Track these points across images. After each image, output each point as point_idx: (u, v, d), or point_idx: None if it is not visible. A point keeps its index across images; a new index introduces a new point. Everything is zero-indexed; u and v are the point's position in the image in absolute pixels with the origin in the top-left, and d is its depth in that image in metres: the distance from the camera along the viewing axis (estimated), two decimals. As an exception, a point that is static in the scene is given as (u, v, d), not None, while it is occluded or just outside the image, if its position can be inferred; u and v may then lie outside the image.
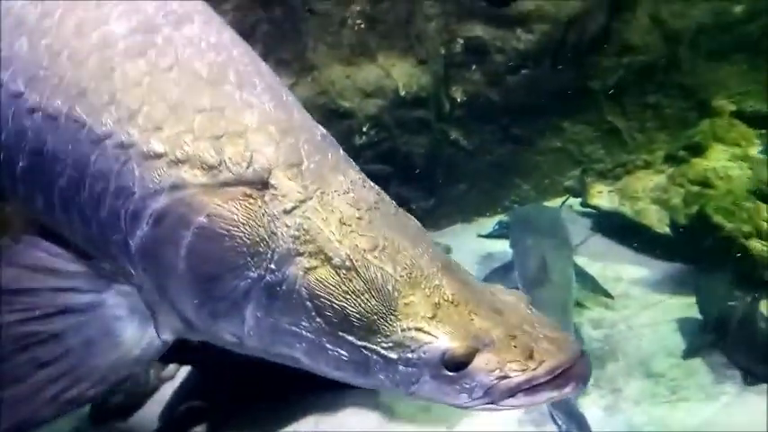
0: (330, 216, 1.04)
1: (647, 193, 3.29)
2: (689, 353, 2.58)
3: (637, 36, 3.67)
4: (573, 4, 3.65)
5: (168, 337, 1.11)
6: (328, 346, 1.01)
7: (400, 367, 1.00)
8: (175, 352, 1.20)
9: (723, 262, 2.83)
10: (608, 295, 3.04)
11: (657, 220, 3.15)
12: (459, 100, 3.76)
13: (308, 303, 1.01)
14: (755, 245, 2.83)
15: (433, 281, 1.02)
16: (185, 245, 1.01)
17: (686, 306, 2.83)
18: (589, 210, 3.59)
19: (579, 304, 3.08)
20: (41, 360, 1.05)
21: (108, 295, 1.08)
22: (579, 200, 3.68)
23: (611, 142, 3.82)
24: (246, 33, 3.36)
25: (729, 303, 2.49)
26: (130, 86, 1.07)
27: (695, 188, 3.11)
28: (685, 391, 2.45)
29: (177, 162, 1.02)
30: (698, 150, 3.29)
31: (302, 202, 1.03)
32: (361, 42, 3.58)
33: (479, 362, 0.97)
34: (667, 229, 3.10)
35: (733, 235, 2.83)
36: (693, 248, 2.95)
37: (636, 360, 2.67)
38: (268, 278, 1.01)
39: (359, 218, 1.05)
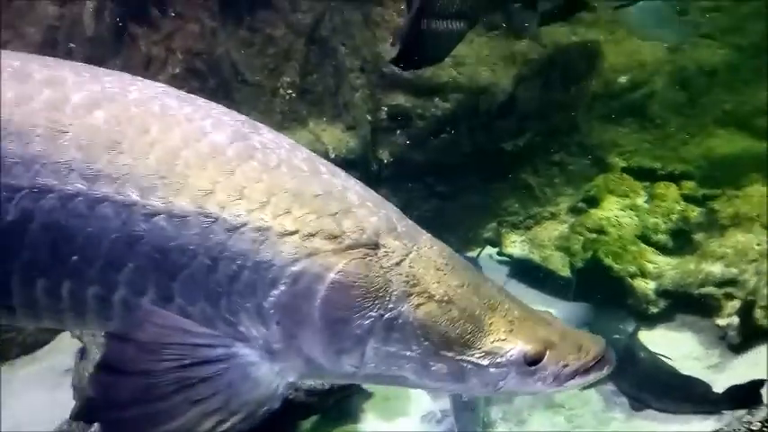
0: (427, 264, 1.36)
1: (552, 241, 3.61)
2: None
3: (539, 102, 4.09)
4: (484, 75, 4.07)
5: (292, 379, 1.35)
6: (432, 363, 1.32)
7: (491, 370, 1.33)
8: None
9: (614, 299, 3.13)
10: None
11: (561, 265, 3.46)
12: (385, 161, 4.07)
13: (417, 332, 1.31)
14: (640, 283, 3.15)
15: (504, 305, 1.39)
16: (320, 297, 1.27)
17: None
18: (505, 258, 3.88)
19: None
20: (194, 399, 1.25)
21: (237, 348, 1.30)
22: (497, 249, 3.98)
23: (524, 196, 4.18)
24: (183, 103, 3.64)
25: (614, 336, 2.76)
26: (253, 183, 1.30)
27: (592, 235, 3.46)
28: (580, 419, 2.69)
29: (309, 236, 1.29)
30: (594, 202, 3.67)
31: (406, 255, 1.35)
32: (293, 110, 3.89)
33: (548, 357, 1.34)
34: (570, 273, 3.40)
35: (621, 275, 3.15)
36: (590, 289, 3.25)
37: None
38: (387, 316, 1.30)
39: (446, 264, 1.38)
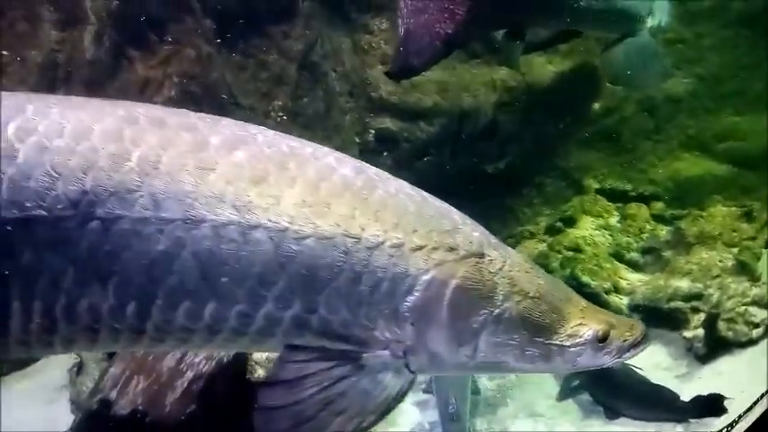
0: (520, 268, 1.64)
1: (532, 258, 3.80)
2: (562, 395, 3.01)
3: (519, 127, 4.31)
4: (466, 100, 4.28)
5: (416, 371, 1.58)
6: (528, 349, 1.60)
7: (572, 349, 1.62)
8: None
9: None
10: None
11: (541, 282, 3.63)
12: (372, 181, 4.22)
13: (518, 324, 1.57)
14: (614, 298, 3.36)
15: (573, 297, 1.70)
16: (446, 299, 1.52)
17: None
18: (487, 275, 4.04)
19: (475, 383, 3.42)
20: (337, 411, 1.47)
21: (367, 355, 1.52)
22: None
23: (505, 216, 4.38)
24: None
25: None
26: (384, 208, 1.54)
27: (569, 253, 3.66)
28: (560, 428, 2.86)
29: (434, 249, 1.53)
30: (571, 222, 3.88)
31: (504, 262, 1.61)
32: (284, 132, 4.03)
33: (612, 336, 1.64)
34: (549, 290, 3.58)
35: (596, 291, 3.35)
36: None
37: (522, 404, 3.06)
38: (496, 312, 1.56)
39: (531, 267, 1.67)
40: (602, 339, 1.63)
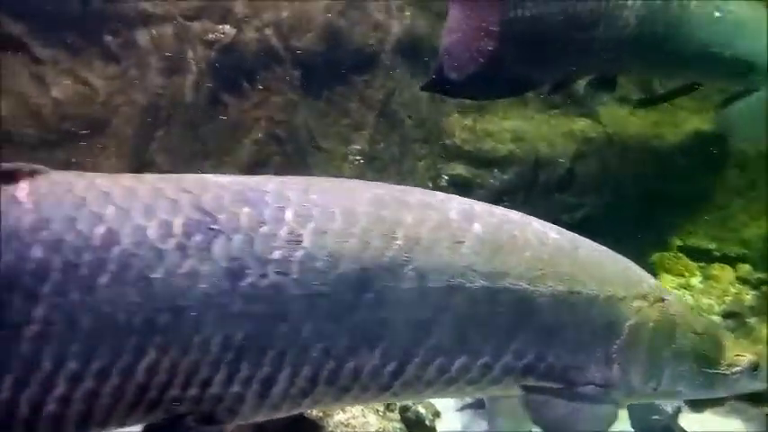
0: (683, 307, 1.93)
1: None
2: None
3: (598, 179, 4.21)
4: (542, 150, 4.27)
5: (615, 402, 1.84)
6: (696, 378, 1.84)
7: (732, 377, 1.86)
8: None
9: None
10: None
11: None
12: (444, 227, 4.27)
13: (691, 357, 1.83)
14: (688, 363, 3.13)
15: (724, 332, 1.99)
16: (645, 341, 1.78)
17: (623, 420, 3.10)
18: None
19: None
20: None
21: (582, 392, 1.76)
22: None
23: (580, 270, 4.23)
24: (262, 163, 4.04)
25: (653, 417, 2.77)
26: (592, 266, 1.79)
27: (644, 312, 3.47)
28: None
29: (633, 298, 1.78)
30: (649, 279, 3.69)
31: (673, 303, 1.87)
32: (360, 175, 4.22)
33: (762, 364, 1.89)
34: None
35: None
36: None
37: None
38: (675, 347, 1.81)
39: (686, 306, 2.02)
40: (755, 367, 1.87)
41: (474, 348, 1.60)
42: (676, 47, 3.23)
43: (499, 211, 1.78)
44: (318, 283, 1.43)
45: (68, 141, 3.81)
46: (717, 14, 3.23)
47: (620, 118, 4.26)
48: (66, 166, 3.99)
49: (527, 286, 1.63)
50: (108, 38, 3.85)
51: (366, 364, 1.51)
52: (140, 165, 3.86)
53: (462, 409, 3.19)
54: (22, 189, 1.33)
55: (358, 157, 4.23)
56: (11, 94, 3.74)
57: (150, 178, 1.49)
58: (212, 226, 1.37)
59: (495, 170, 4.26)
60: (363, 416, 2.46)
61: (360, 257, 1.47)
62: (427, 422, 2.76)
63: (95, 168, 3.87)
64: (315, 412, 2.45)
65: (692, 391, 1.87)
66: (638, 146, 4.19)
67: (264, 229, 1.41)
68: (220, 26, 3.95)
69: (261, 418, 1.51)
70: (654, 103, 4.00)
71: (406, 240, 1.53)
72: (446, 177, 4.30)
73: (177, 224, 1.36)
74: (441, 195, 1.76)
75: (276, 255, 1.40)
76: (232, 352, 1.37)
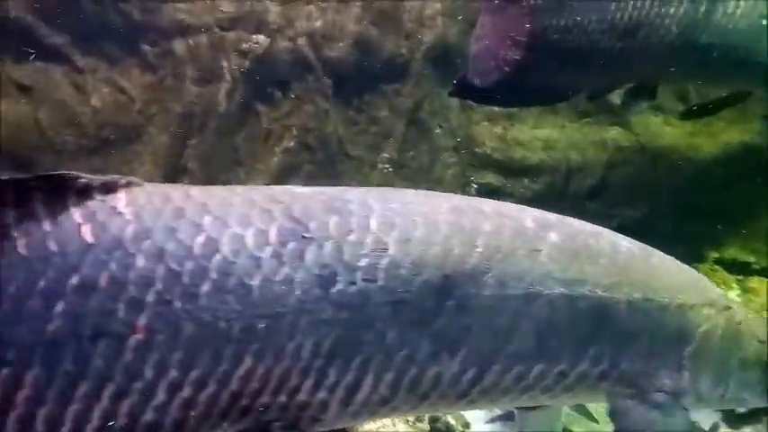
0: (746, 314, 1.91)
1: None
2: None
3: (630, 189, 4.15)
4: (574, 159, 4.22)
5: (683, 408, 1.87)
6: (759, 385, 1.85)
7: None
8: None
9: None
10: (593, 419, 3.26)
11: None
12: (473, 235, 4.25)
13: (755, 364, 1.85)
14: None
15: None
16: (714, 348, 1.80)
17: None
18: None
19: (566, 429, 3.30)
20: None
21: (651, 398, 1.78)
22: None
23: (611, 281, 4.17)
24: (293, 172, 4.09)
25: None
26: (663, 273, 1.81)
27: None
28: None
29: (702, 305, 1.80)
30: (683, 292, 3.61)
31: (737, 313, 1.87)
32: (389, 183, 4.23)
33: None
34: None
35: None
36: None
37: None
38: (741, 355, 1.83)
39: (747, 314, 1.94)
40: None
41: (552, 355, 1.61)
42: (720, 55, 3.15)
43: (570, 220, 1.79)
44: (403, 290, 1.45)
45: (106, 148, 3.92)
46: (764, 22, 3.15)
47: (653, 127, 4.20)
48: (103, 172, 4.10)
49: (603, 293, 1.64)
50: (146, 47, 3.96)
51: (446, 371, 1.52)
52: (174, 172, 3.95)
53: (492, 420, 3.16)
54: (120, 200, 1.36)
55: (387, 166, 4.25)
56: (52, 102, 3.87)
57: (240, 189, 1.52)
58: (305, 234, 1.40)
59: (526, 179, 4.24)
60: (393, 425, 2.46)
61: (442, 265, 1.49)
62: (457, 432, 2.75)
63: (130, 175, 3.96)
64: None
65: (757, 399, 1.86)
66: (672, 156, 4.12)
67: (352, 237, 1.43)
68: (254, 36, 4.03)
69: (340, 425, 1.52)
70: (702, 113, 3.76)
71: (486, 248, 1.54)
72: (476, 186, 4.29)
73: (272, 233, 1.38)
74: (512, 205, 1.79)
75: (363, 262, 1.42)
76: (321, 359, 1.39)
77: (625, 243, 1.80)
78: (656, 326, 1.71)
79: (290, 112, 4.23)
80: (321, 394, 1.41)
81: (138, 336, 1.26)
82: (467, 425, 2.98)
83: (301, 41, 4.10)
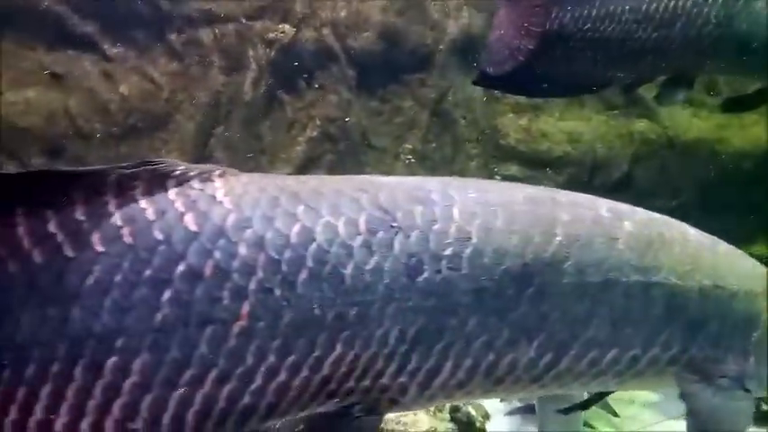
0: None
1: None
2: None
3: (656, 182, 4.10)
4: (599, 151, 4.19)
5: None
6: None
7: None
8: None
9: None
10: (614, 414, 3.25)
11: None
12: (495, 227, 4.25)
13: None
14: None
15: None
16: None
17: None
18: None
19: (586, 423, 3.29)
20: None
21: (717, 383, 1.80)
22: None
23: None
24: (315, 161, 4.12)
25: None
26: (730, 261, 1.82)
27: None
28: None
29: (761, 293, 1.79)
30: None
31: None
32: (411, 174, 4.24)
33: None
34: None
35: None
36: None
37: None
38: None
39: None
40: None
41: (626, 341, 1.63)
42: (760, 45, 3.06)
43: (639, 209, 1.81)
44: (485, 278, 1.48)
45: (133, 136, 3.99)
46: None
47: (682, 119, 4.14)
48: (130, 159, 4.17)
49: (677, 281, 1.66)
50: (173, 36, 4.02)
51: (523, 356, 1.55)
52: (200, 159, 4.01)
53: (511, 413, 3.17)
54: (218, 189, 1.39)
55: (410, 156, 4.26)
56: (82, 90, 3.96)
57: (328, 178, 1.56)
58: (393, 224, 1.43)
59: (550, 171, 4.21)
60: (415, 414, 2.48)
61: (523, 253, 1.52)
62: (477, 423, 2.76)
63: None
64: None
65: None
66: (701, 149, 4.06)
67: (437, 226, 1.47)
68: (280, 26, 4.07)
69: (416, 408, 1.57)
70: (743, 106, 3.57)
71: (565, 237, 1.57)
72: (499, 178, 4.27)
73: (362, 222, 1.42)
74: (583, 195, 1.79)
75: (448, 251, 1.45)
76: (406, 344, 1.42)
77: (692, 232, 1.82)
78: (726, 312, 1.73)
79: (314, 102, 4.27)
80: (402, 378, 1.45)
81: (242, 323, 1.29)
82: (487, 416, 2.99)
83: (326, 31, 4.12)
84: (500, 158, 4.27)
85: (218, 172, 1.42)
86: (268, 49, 4.07)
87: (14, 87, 3.85)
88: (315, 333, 1.34)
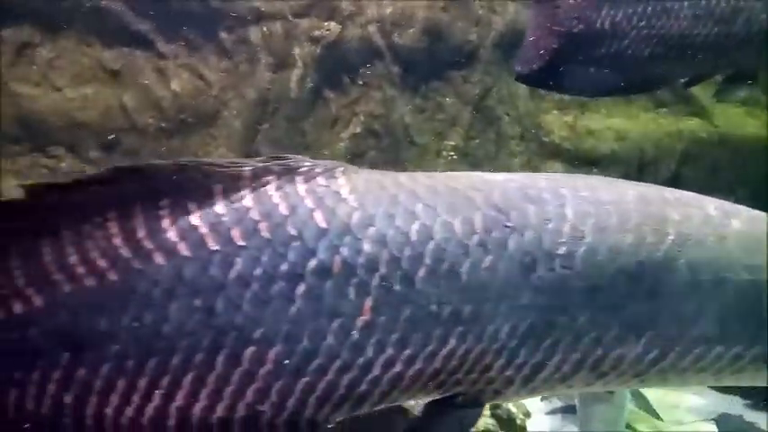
0: None
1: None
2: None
3: (706, 182, 4.01)
4: (647, 150, 4.11)
5: None
6: None
7: None
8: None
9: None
10: (657, 417, 3.22)
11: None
12: (538, 225, 4.24)
13: None
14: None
15: None
16: None
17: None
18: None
19: (629, 426, 3.27)
20: None
21: None
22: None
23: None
24: (358, 157, 4.19)
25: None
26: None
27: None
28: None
29: None
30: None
31: None
32: (453, 170, 4.25)
33: None
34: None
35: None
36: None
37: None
38: None
39: None
40: None
41: (731, 339, 1.62)
42: None
43: (740, 206, 1.79)
44: (598, 277, 1.49)
45: (184, 131, 4.14)
46: None
47: (734, 117, 4.02)
48: (180, 154, 4.35)
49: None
50: (223, 34, 4.14)
51: (630, 352, 1.55)
52: (246, 156, 4.12)
53: (553, 412, 3.17)
54: (343, 186, 1.44)
55: (452, 153, 4.28)
56: (136, 86, 4.13)
57: (437, 175, 1.60)
58: (507, 223, 1.46)
59: (596, 170, 4.16)
60: (453, 408, 2.52)
61: (636, 252, 1.53)
62: (518, 421, 2.78)
63: (206, 156, 4.18)
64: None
65: None
66: (754, 147, 3.94)
67: (550, 225, 1.49)
68: (326, 23, 4.14)
69: (516, 399, 1.65)
70: None
71: (677, 236, 1.57)
72: (542, 175, 4.25)
73: (477, 221, 1.45)
74: (688, 192, 1.78)
75: (562, 250, 1.47)
76: (515, 340, 1.45)
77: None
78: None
79: (358, 99, 4.33)
80: (508, 372, 1.48)
81: (365, 317, 1.36)
82: (527, 414, 3.00)
83: (372, 28, 4.17)
84: (544, 156, 4.24)
85: (341, 169, 1.47)
86: (314, 47, 4.15)
87: (74, 84, 4.04)
88: (430, 328, 1.39)
